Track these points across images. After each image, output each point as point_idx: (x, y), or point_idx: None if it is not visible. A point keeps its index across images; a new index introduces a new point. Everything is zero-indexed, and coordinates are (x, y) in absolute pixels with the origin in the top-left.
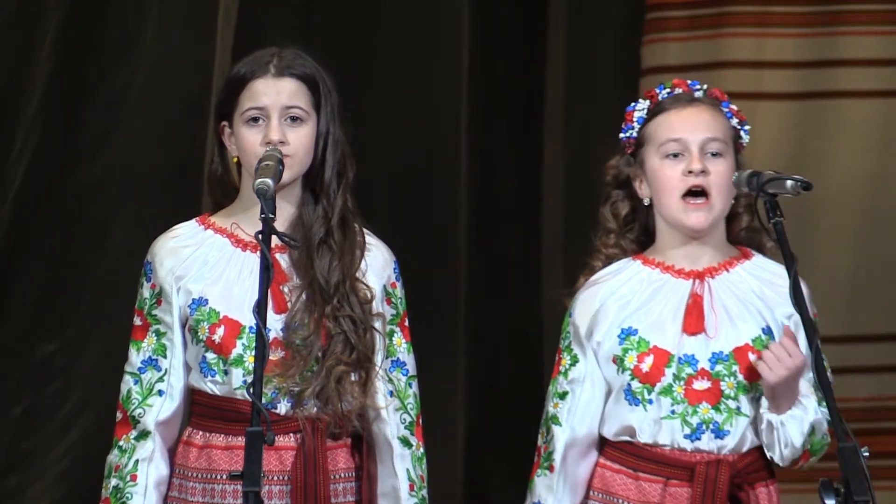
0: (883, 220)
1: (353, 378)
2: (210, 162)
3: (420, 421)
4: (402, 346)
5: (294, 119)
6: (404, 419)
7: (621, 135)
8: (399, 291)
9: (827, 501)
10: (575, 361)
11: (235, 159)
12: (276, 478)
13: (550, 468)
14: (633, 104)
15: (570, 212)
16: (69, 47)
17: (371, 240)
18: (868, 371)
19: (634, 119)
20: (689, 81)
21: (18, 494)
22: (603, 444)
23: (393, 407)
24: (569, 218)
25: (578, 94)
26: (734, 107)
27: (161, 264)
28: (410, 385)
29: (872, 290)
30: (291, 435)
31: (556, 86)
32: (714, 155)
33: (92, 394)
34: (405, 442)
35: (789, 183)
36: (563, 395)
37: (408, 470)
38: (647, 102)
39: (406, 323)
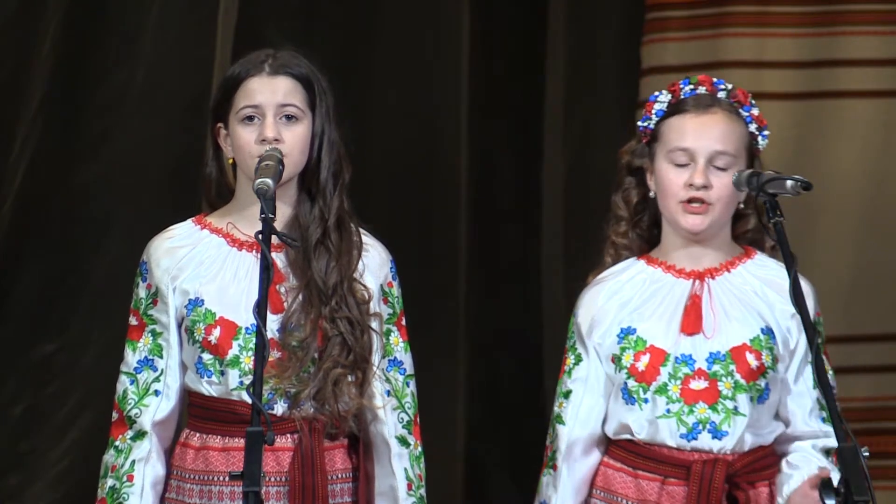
0: (883, 220)
1: (349, 379)
2: (206, 164)
3: (418, 420)
4: (399, 345)
5: (289, 118)
6: (402, 418)
7: (639, 123)
8: (396, 291)
9: (827, 501)
10: (578, 361)
11: (231, 161)
12: (273, 479)
13: (554, 467)
14: (655, 94)
15: (570, 212)
16: (69, 47)
17: (367, 239)
18: (868, 371)
19: (653, 111)
20: (714, 79)
21: (18, 494)
22: (607, 443)
23: (390, 406)
24: (569, 218)
25: (578, 94)
26: (756, 111)
27: (157, 264)
28: (408, 384)
29: (872, 290)
30: (288, 436)
31: (556, 86)
32: (720, 168)
33: (92, 394)
34: (403, 441)
35: (789, 183)
36: (567, 395)
37: (405, 469)
38: (669, 96)
39: (403, 322)
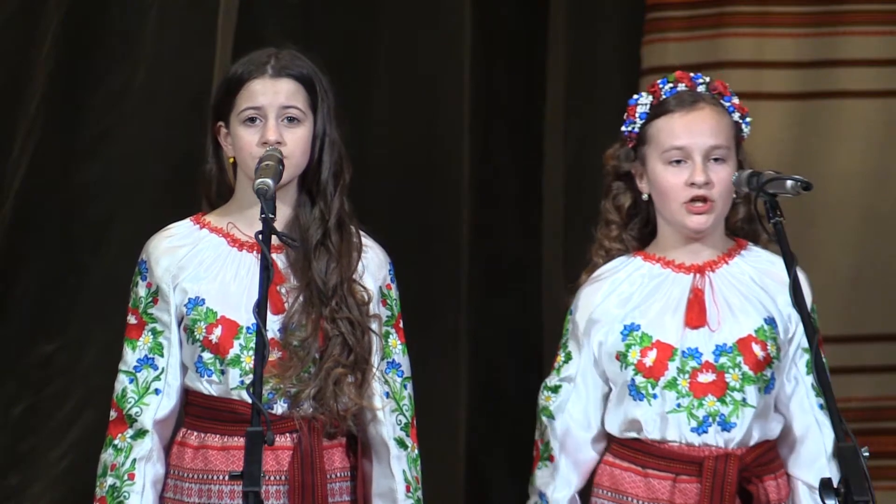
0: (883, 220)
1: (349, 380)
2: (205, 162)
3: (415, 422)
4: (397, 347)
5: (291, 119)
6: (400, 420)
7: (623, 128)
8: (394, 293)
9: (827, 501)
10: (569, 358)
11: (232, 160)
12: (272, 478)
13: (550, 458)
14: (635, 97)
15: (570, 212)
16: (69, 47)
17: (367, 241)
18: (868, 371)
19: (637, 114)
20: (691, 74)
21: (18, 494)
22: (610, 442)
23: (389, 408)
24: (569, 218)
25: (578, 94)
26: (736, 100)
27: (157, 263)
28: (405, 386)
29: (872, 290)
30: (288, 435)
31: (556, 86)
32: (717, 160)
33: (92, 394)
34: (401, 443)
35: (789, 183)
36: (555, 389)
37: (404, 471)
38: (650, 98)
39: (401, 324)
